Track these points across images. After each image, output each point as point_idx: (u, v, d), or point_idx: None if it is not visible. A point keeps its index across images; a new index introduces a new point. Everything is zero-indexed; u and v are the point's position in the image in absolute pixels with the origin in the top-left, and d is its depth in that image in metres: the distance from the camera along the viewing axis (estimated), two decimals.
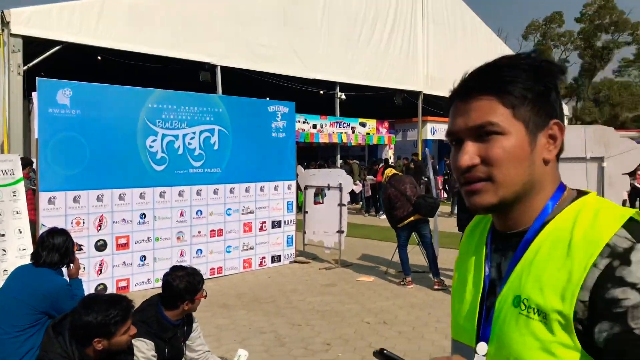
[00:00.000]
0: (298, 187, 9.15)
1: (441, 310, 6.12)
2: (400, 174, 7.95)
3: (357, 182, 16.22)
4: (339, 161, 20.05)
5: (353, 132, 20.39)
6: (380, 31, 20.72)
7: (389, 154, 22.00)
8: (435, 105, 24.49)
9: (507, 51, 29.70)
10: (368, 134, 20.88)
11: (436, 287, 7.11)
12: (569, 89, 40.79)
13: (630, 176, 10.31)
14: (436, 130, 24.83)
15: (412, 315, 5.96)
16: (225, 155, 7.94)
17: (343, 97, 19.35)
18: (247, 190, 8.22)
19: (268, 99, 11.60)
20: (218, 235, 7.91)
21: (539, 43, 41.77)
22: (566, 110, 33.30)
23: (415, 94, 22.97)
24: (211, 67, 15.80)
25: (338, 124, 19.85)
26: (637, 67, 55.27)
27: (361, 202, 17.28)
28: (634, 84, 50.66)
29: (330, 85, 19.24)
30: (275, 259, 8.67)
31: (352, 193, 17.53)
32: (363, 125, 20.74)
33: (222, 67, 15.85)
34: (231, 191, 8.03)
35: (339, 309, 6.25)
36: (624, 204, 11.23)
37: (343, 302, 6.51)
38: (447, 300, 6.54)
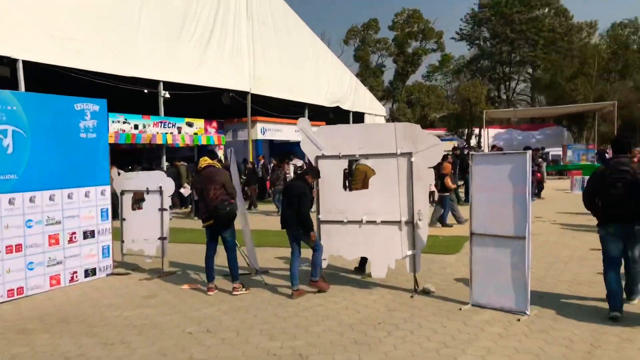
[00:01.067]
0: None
1: (267, 311, 6.04)
2: (218, 166, 7.04)
3: (186, 184, 15.63)
4: (165, 163, 19.15)
5: (179, 132, 19.64)
6: (204, 29, 20.23)
7: (220, 155, 21.62)
8: (264, 105, 24.73)
9: (330, 55, 31.25)
10: (196, 134, 20.29)
11: (235, 292, 6.74)
12: (385, 92, 44.26)
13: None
14: (266, 130, 25.03)
15: (237, 320, 5.78)
16: (22, 160, 6.97)
17: (167, 95, 18.52)
18: (51, 198, 7.31)
19: None
20: (16, 251, 6.91)
21: (358, 48, 44.70)
22: (384, 111, 36.06)
23: (243, 94, 22.90)
24: (11, 61, 13.98)
25: (162, 124, 18.95)
26: (441, 72, 62.12)
27: (190, 206, 16.68)
28: (440, 87, 56.82)
29: (154, 83, 18.28)
30: (90, 272, 7.86)
31: (180, 196, 16.91)
32: (190, 125, 20.09)
33: (24, 61, 14.12)
34: (31, 200, 7.07)
35: (158, 321, 5.82)
36: (431, 195, 12.37)
37: (164, 314, 6.08)
38: (274, 300, 6.48)
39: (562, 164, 30.10)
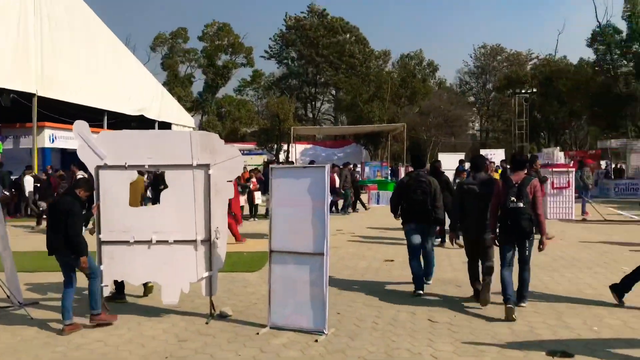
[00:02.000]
0: None
1: (28, 354, 4.94)
2: None
3: None
4: None
5: None
6: None
7: None
8: (56, 110, 22.04)
9: (134, 61, 29.29)
10: None
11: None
12: (195, 103, 43.14)
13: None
14: (56, 137, 22.32)
15: None
16: None
17: None
18: None
19: None
20: None
21: (166, 56, 42.90)
22: (192, 122, 34.98)
23: (28, 96, 20.06)
24: None
25: None
26: (253, 87, 63.00)
27: None
28: (251, 102, 57.43)
29: None
30: None
31: None
32: None
33: None
34: None
35: None
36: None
37: None
38: (39, 339, 5.35)
39: (360, 179, 32.26)
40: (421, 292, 6.81)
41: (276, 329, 5.53)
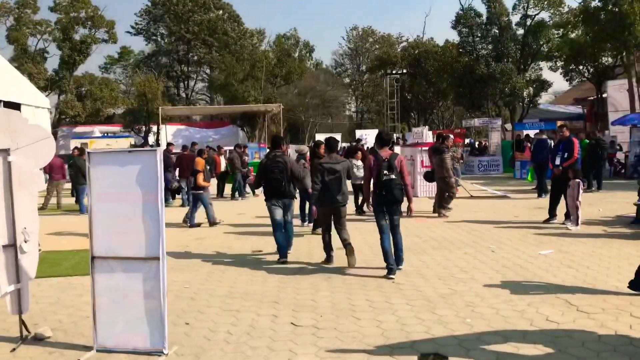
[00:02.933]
0: None
1: None
2: None
3: None
4: None
5: None
6: None
7: None
8: None
9: None
10: None
11: None
12: (49, 82, 38.82)
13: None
14: None
15: None
16: None
17: None
18: None
19: None
20: None
21: (12, 28, 37.94)
22: (47, 103, 31.28)
23: None
24: None
25: None
26: (120, 65, 58.52)
27: None
28: (119, 81, 53.29)
29: None
30: None
31: None
32: None
33: None
34: None
35: None
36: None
37: None
38: None
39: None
40: (285, 260, 7.62)
41: (105, 352, 4.46)
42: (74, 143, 33.02)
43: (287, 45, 49.25)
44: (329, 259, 7.45)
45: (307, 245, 8.89)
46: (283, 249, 7.70)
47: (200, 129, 42.73)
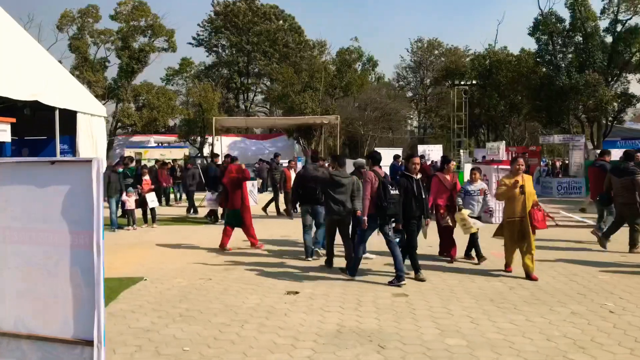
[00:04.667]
0: None
1: None
2: None
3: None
4: None
5: None
6: None
7: None
8: None
9: (24, 38, 24.96)
10: None
11: None
12: (108, 90, 38.87)
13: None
14: None
15: None
16: None
17: None
18: None
19: None
20: None
21: (74, 37, 38.33)
22: (104, 111, 31.00)
23: None
24: None
25: None
26: (181, 76, 58.85)
27: None
28: (178, 92, 53.27)
29: None
30: None
31: None
32: None
33: None
34: None
35: None
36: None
37: None
38: None
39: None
40: (310, 259, 8.78)
41: None
42: (128, 152, 32.65)
43: (350, 59, 47.58)
44: (329, 262, 8.31)
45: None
46: (309, 249, 8.85)
47: (257, 141, 41.69)
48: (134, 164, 17.82)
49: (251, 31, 48.02)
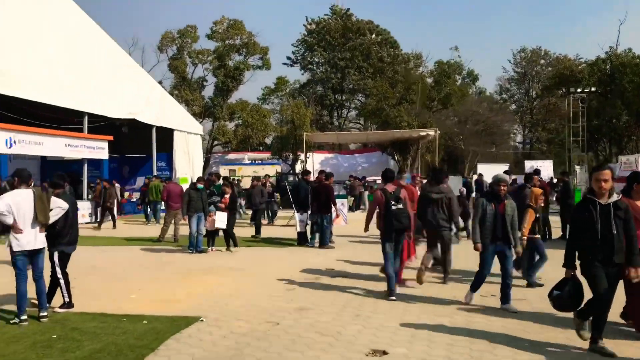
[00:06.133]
0: None
1: None
2: None
3: None
4: None
5: None
6: None
7: None
8: (10, 108, 18.63)
9: (125, 59, 25.63)
10: None
11: None
12: (204, 108, 39.45)
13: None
14: (15, 141, 18.75)
15: None
16: None
17: None
18: None
19: None
20: None
21: (174, 57, 39.43)
22: (200, 129, 31.22)
23: None
24: None
25: None
26: (277, 96, 59.20)
27: None
28: (274, 110, 53.44)
29: None
30: None
31: None
32: None
33: None
34: None
35: None
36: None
37: None
38: None
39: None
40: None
41: None
42: (223, 169, 32.63)
43: (449, 69, 45.06)
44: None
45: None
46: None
47: (349, 157, 40.41)
48: (220, 181, 16.84)
49: (345, 47, 47.16)
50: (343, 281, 8.50)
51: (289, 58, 53.54)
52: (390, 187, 7.49)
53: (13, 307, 6.54)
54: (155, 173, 25.23)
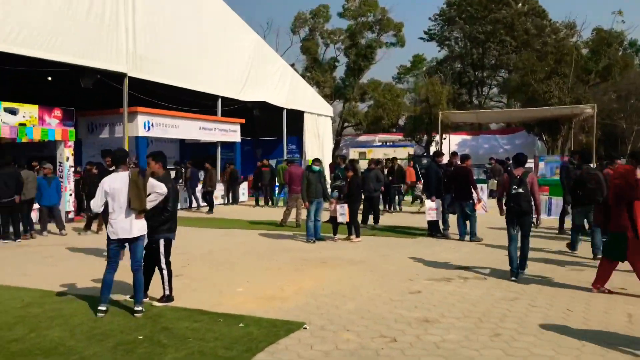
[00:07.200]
0: None
1: None
2: None
3: None
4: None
5: None
6: None
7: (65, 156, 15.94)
8: (148, 93, 19.34)
9: (260, 43, 25.73)
10: (23, 124, 14.65)
11: None
12: (335, 90, 38.77)
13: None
14: (153, 124, 19.51)
15: None
16: None
17: None
18: None
19: None
20: None
21: (305, 39, 39.12)
22: (331, 111, 30.67)
23: (117, 77, 17.37)
24: None
25: None
26: (413, 74, 56.71)
27: None
28: (409, 90, 51.28)
29: None
30: None
31: None
32: (12, 112, 14.47)
33: None
34: None
35: None
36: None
37: None
38: None
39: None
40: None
41: None
42: (353, 152, 31.84)
43: (609, 38, 39.52)
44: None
45: None
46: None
47: (490, 138, 37.38)
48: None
49: (486, 19, 43.52)
50: (480, 285, 7.03)
51: (425, 33, 50.86)
52: (518, 171, 7.63)
53: (117, 297, 6.25)
54: (285, 156, 25.11)
